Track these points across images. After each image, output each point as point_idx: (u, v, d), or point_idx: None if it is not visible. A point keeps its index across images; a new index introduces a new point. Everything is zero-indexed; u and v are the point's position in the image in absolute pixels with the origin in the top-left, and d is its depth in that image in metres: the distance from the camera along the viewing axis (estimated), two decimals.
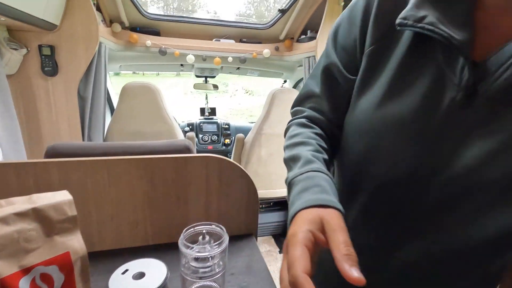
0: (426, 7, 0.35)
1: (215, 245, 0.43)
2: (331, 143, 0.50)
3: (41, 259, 0.34)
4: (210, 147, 2.59)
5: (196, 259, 0.43)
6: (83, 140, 1.64)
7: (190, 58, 2.06)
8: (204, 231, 0.45)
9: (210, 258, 0.43)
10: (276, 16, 2.11)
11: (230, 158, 1.71)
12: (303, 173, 0.40)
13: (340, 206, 0.35)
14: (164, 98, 1.80)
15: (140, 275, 0.46)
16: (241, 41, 2.21)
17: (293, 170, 0.42)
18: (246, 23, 2.19)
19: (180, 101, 8.48)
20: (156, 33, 2.04)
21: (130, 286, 0.44)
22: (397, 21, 0.37)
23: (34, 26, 1.29)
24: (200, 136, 2.58)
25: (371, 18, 0.42)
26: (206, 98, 2.77)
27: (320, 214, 0.33)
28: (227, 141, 2.63)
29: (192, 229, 0.46)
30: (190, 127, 2.62)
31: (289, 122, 0.54)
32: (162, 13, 2.09)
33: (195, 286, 0.44)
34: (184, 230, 0.45)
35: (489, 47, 0.33)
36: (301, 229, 0.31)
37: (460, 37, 0.33)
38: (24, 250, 0.33)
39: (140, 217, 0.60)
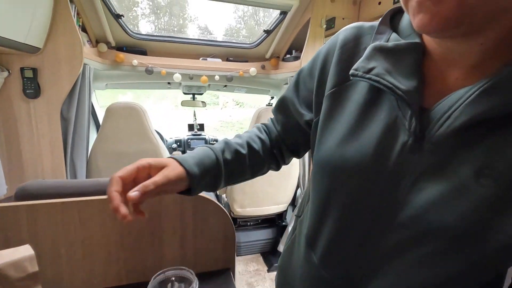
0: (377, 59, 0.38)
1: None
2: (275, 152, 0.61)
3: None
4: None
5: None
6: (65, 161, 1.62)
7: (177, 77, 2.07)
8: (173, 278, 0.45)
9: None
10: (261, 36, 2.16)
11: None
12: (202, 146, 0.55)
13: (184, 162, 0.48)
14: (149, 118, 1.80)
15: None
16: (227, 59, 2.25)
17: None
18: (233, 42, 2.23)
19: (170, 114, 8.44)
20: (142, 52, 2.05)
21: None
22: (350, 71, 0.40)
23: (16, 50, 1.29)
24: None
25: (331, 65, 0.45)
26: (194, 115, 2.77)
27: (165, 162, 0.47)
28: None
29: (162, 274, 0.46)
30: (178, 143, 2.61)
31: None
32: (151, 29, 2.11)
33: None
34: (153, 277, 0.45)
35: (438, 95, 0.36)
36: (135, 164, 0.45)
37: (406, 87, 0.35)
38: None
39: (113, 256, 0.59)
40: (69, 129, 1.59)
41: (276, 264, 2.05)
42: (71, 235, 0.56)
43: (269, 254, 2.26)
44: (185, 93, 2.52)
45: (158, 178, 0.43)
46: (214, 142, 2.64)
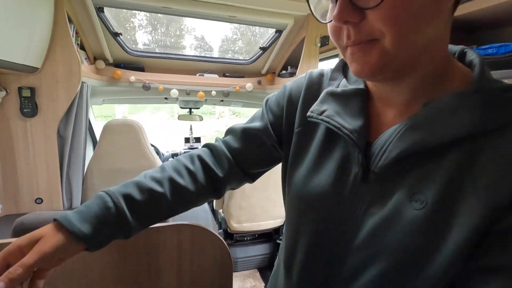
0: (329, 102, 0.44)
1: None
2: (216, 181, 0.55)
3: None
4: None
5: None
6: (61, 179, 1.61)
7: (174, 93, 2.09)
8: None
9: None
10: (257, 52, 2.21)
11: None
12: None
13: (65, 221, 0.42)
14: (146, 134, 1.81)
15: None
16: (224, 75, 2.28)
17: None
18: (229, 58, 2.27)
19: (166, 124, 8.44)
20: (140, 69, 2.08)
21: None
22: (308, 113, 0.45)
23: (15, 71, 1.30)
24: None
25: (298, 104, 0.50)
26: (191, 129, 2.78)
27: (39, 234, 0.41)
28: None
29: None
30: (175, 157, 2.61)
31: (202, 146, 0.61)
32: (148, 40, 2.14)
33: None
34: None
35: (379, 132, 0.40)
36: (16, 242, 0.39)
37: (352, 126, 0.40)
38: None
39: None
40: (66, 147, 1.60)
41: None
42: (67, 268, 0.56)
43: (266, 270, 2.25)
44: (182, 108, 2.54)
45: (28, 258, 0.38)
46: None
